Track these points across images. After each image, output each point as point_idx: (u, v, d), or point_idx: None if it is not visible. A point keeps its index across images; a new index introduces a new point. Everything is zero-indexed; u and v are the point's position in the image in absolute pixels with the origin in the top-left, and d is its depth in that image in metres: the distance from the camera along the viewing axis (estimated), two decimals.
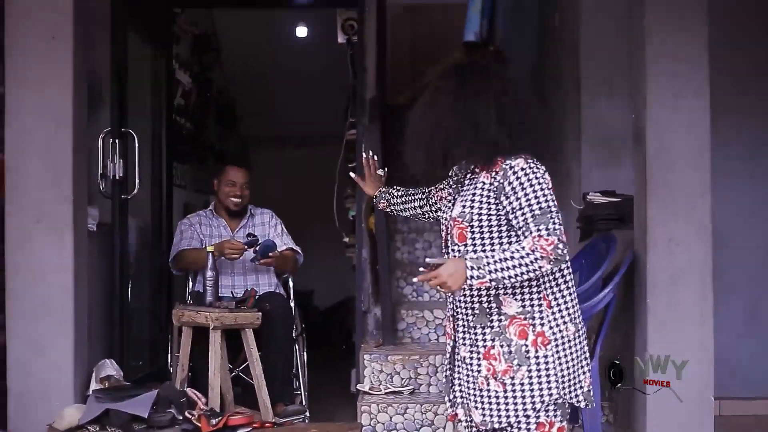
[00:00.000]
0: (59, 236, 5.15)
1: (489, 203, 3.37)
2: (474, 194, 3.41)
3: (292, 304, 6.22)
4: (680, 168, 5.16)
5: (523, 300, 3.40)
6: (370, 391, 6.09)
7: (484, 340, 3.40)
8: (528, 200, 3.32)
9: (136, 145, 5.90)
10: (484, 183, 3.39)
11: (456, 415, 3.63)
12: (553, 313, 3.43)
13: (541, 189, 3.35)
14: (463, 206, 3.42)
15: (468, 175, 3.52)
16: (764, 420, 6.33)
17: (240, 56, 10.13)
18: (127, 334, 6.04)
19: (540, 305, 3.41)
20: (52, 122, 5.15)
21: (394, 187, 4.15)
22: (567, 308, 3.48)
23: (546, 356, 3.38)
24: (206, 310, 5.39)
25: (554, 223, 3.32)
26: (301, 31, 8.26)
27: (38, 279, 5.14)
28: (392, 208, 4.11)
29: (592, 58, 6.62)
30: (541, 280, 3.42)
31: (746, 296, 6.55)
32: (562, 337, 3.44)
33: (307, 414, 5.86)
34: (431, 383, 6.12)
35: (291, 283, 6.36)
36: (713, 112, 5.17)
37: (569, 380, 3.46)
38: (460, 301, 3.47)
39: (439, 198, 3.89)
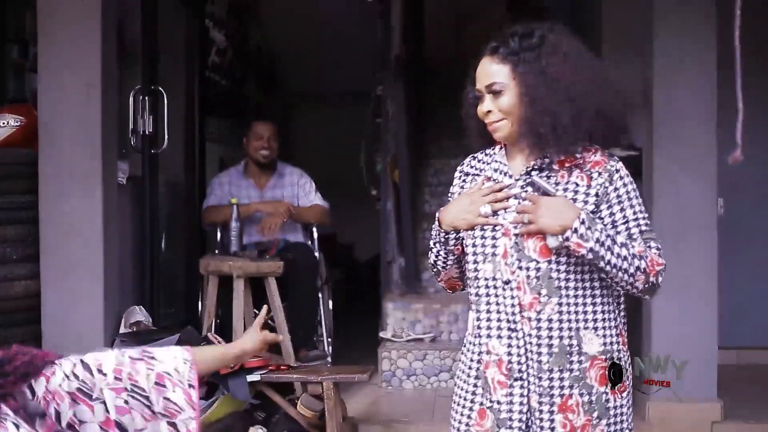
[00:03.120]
0: (90, 190, 5.31)
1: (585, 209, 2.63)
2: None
3: (317, 254, 6.34)
4: (686, 123, 5.29)
5: (604, 336, 2.70)
6: (393, 339, 6.30)
7: (561, 387, 2.67)
8: (636, 214, 2.66)
9: (165, 101, 6.12)
10: (577, 185, 2.66)
11: None
12: (627, 352, 2.78)
13: (641, 203, 2.72)
14: None
15: (537, 173, 2.70)
16: None
17: (279, 16, 10.27)
18: (160, 283, 6.21)
19: (618, 342, 2.73)
20: (83, 81, 5.30)
21: None
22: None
23: (622, 406, 2.73)
24: (230, 260, 5.65)
25: (661, 249, 2.69)
26: None
27: (70, 231, 5.32)
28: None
29: (613, 15, 6.71)
30: (618, 309, 2.75)
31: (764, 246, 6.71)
32: (632, 381, 2.83)
33: (329, 360, 6.06)
34: (452, 331, 6.32)
35: (315, 234, 6.50)
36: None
37: None
38: (530, 335, 2.66)
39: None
